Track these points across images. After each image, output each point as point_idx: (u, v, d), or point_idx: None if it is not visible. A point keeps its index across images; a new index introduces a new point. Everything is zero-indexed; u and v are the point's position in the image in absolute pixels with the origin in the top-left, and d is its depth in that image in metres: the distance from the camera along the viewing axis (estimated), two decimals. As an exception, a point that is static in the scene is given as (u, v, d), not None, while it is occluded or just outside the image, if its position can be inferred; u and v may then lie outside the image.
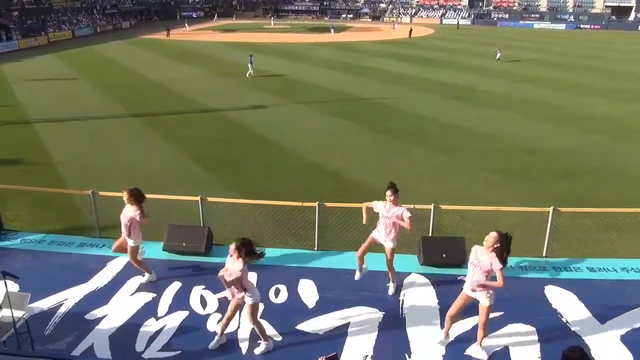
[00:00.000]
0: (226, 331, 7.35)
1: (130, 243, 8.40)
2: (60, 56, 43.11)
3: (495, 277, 6.54)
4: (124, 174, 14.86)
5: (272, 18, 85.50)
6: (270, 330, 7.54)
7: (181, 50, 46.53)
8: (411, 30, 59.97)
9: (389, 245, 8.14)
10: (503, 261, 6.46)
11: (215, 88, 28.67)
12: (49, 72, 34.25)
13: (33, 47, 50.06)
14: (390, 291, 8.49)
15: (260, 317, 7.69)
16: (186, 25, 68.71)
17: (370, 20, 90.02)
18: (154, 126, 20.33)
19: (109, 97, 25.95)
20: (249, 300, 6.86)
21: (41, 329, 7.49)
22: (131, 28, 72.86)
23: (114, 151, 17.18)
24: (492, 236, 6.52)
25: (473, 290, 6.73)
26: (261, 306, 7.94)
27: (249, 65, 31.76)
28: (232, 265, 6.75)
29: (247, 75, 31.41)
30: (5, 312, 6.64)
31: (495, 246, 6.47)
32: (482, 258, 6.59)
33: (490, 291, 6.67)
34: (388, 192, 7.96)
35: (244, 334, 7.48)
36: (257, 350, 7.07)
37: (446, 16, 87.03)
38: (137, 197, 8.20)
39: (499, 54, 39.82)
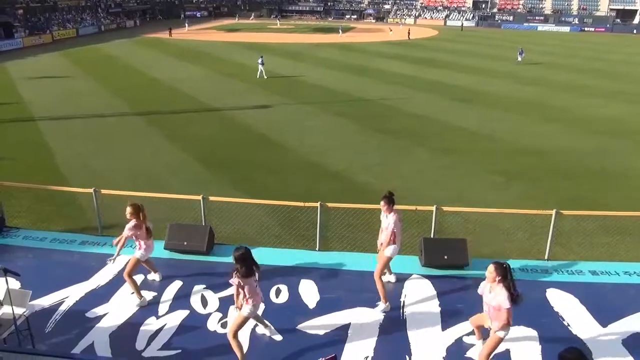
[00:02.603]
0: (224, 331, 7.35)
1: (137, 255, 8.15)
2: (64, 54, 43.23)
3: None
4: (127, 172, 14.90)
5: (278, 18, 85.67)
6: (272, 330, 7.53)
7: (185, 49, 46.62)
8: (409, 31, 59.94)
9: (387, 253, 7.98)
10: (512, 299, 6.05)
11: (219, 87, 28.71)
12: (53, 71, 34.34)
13: (37, 45, 50.24)
14: (380, 308, 8.06)
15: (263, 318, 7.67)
16: (186, 25, 68.82)
17: (374, 21, 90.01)
18: (157, 125, 20.37)
19: (112, 96, 26.01)
20: (244, 311, 6.61)
21: (42, 327, 7.50)
22: (135, 27, 73.05)
23: (117, 150, 17.21)
24: (490, 269, 6.18)
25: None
26: (262, 306, 7.94)
27: (260, 67, 31.63)
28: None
29: (257, 77, 31.31)
30: (6, 309, 6.65)
31: (497, 279, 6.10)
32: (490, 294, 6.25)
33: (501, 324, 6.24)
34: (381, 203, 7.89)
35: (245, 333, 7.45)
36: None
37: (450, 18, 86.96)
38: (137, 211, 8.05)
39: (520, 56, 39.33)
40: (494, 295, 6.20)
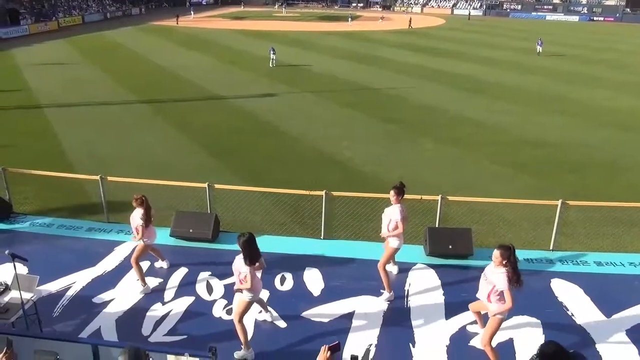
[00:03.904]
0: (229, 318, 7.44)
1: (142, 241, 8.13)
2: (70, 42, 43.19)
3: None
4: (133, 160, 14.95)
5: (284, 6, 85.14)
6: (275, 316, 7.60)
7: (191, 37, 46.48)
8: (410, 20, 59.44)
9: (393, 244, 7.94)
10: (516, 280, 6.11)
11: (225, 75, 28.65)
12: (59, 58, 34.34)
13: (43, 32, 50.18)
14: (384, 297, 8.09)
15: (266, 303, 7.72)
16: (192, 12, 68.68)
17: (380, 9, 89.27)
18: (163, 113, 20.37)
19: (118, 84, 26.01)
20: (245, 295, 6.65)
21: (49, 311, 7.59)
22: (141, 14, 72.83)
23: (123, 137, 17.25)
24: (495, 254, 6.22)
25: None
26: (267, 293, 8.00)
27: (272, 56, 31.39)
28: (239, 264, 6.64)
29: (270, 65, 31.19)
30: (14, 294, 6.73)
31: (504, 262, 6.14)
32: (491, 275, 6.31)
33: (502, 307, 6.28)
34: (391, 192, 7.86)
35: (250, 320, 7.51)
36: (236, 354, 6.76)
37: (457, 6, 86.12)
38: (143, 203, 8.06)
39: (539, 47, 38.22)
40: (494, 275, 6.26)
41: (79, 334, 7.14)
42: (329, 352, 4.28)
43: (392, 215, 7.81)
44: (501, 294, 6.20)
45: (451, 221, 10.66)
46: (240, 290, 6.69)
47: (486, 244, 9.59)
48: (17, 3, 53.01)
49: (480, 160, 15.42)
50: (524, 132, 18.42)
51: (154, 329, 7.38)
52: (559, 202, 9.40)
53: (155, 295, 8.18)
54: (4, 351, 4.36)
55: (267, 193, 11.25)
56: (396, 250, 8.10)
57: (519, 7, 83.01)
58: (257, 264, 6.58)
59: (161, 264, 8.92)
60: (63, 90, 24.49)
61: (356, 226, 10.29)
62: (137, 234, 8.02)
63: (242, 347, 6.77)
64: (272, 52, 31.61)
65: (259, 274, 6.78)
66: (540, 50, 38.20)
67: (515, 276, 6.13)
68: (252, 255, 6.48)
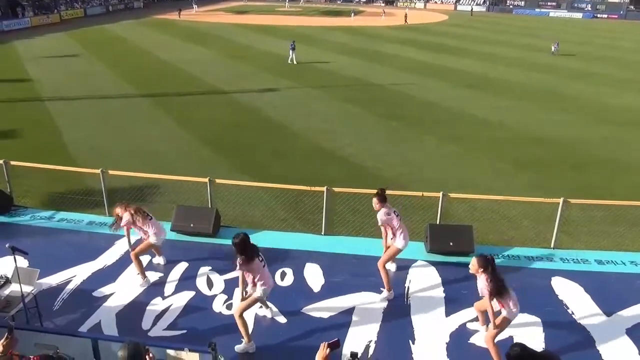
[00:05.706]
0: (229, 313, 7.44)
1: (151, 240, 8.14)
2: (71, 34, 43.09)
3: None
4: (134, 154, 14.94)
5: (287, 0, 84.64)
6: (275, 312, 7.60)
7: (193, 31, 46.34)
8: (406, 15, 59.26)
9: (397, 244, 7.90)
10: (492, 291, 6.15)
11: (227, 70, 28.57)
12: (61, 51, 34.26)
13: (45, 24, 50.09)
14: (383, 295, 8.05)
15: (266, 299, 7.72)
16: (194, 6, 68.37)
17: (383, 4, 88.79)
18: (164, 108, 20.34)
19: (120, 78, 25.96)
20: (256, 293, 6.70)
21: (50, 305, 7.60)
22: (143, 8, 72.63)
23: (124, 131, 17.23)
24: (472, 262, 6.34)
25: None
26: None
27: (290, 52, 30.97)
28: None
29: (288, 62, 30.84)
30: (15, 287, 6.73)
31: (479, 270, 6.24)
32: (478, 281, 6.39)
33: (505, 304, 6.31)
34: (373, 200, 7.90)
35: (250, 316, 7.51)
36: (237, 348, 6.78)
37: (460, 2, 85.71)
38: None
39: (554, 47, 37.44)
40: (478, 280, 6.39)
41: (79, 327, 7.14)
42: (328, 349, 4.28)
43: (378, 221, 7.91)
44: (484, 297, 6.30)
45: (452, 218, 10.65)
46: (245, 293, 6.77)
47: (487, 242, 9.58)
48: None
49: (482, 157, 15.38)
50: (526, 129, 18.37)
51: (154, 323, 7.38)
52: (561, 200, 9.37)
53: (155, 289, 8.17)
54: (5, 336, 4.38)
55: (268, 188, 11.24)
56: (399, 250, 8.02)
57: (523, 3, 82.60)
58: (254, 260, 6.62)
59: (158, 260, 8.90)
60: (65, 83, 24.47)
61: (357, 222, 10.27)
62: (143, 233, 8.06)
63: (244, 340, 6.78)
64: (291, 48, 30.80)
65: (266, 271, 6.82)
66: (554, 50, 37.36)
67: (495, 288, 6.15)
68: (245, 255, 6.54)
